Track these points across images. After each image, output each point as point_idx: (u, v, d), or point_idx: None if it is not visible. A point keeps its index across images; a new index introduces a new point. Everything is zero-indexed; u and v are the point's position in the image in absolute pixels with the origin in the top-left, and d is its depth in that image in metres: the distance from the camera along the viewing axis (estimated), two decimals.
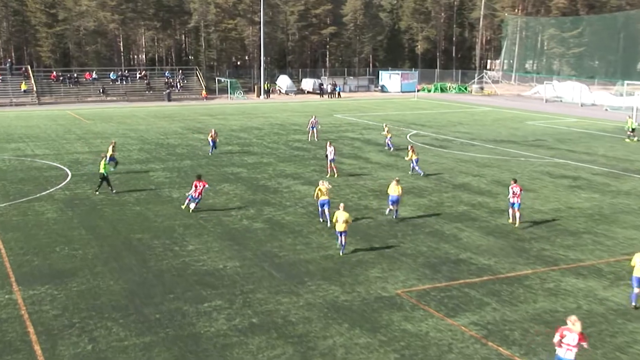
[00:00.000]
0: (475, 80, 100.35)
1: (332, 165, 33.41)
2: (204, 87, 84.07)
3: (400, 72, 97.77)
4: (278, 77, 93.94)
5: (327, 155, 33.91)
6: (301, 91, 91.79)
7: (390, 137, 41.88)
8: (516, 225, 24.54)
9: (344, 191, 30.07)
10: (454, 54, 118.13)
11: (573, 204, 28.14)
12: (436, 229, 24.24)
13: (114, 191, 29.40)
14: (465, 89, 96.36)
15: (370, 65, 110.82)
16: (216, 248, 21.85)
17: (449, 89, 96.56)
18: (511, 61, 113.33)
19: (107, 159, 31.03)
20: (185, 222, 24.86)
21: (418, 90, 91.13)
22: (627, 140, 46.90)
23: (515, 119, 60.59)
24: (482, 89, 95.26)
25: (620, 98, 73.28)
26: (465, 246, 22.23)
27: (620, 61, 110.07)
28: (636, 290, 17.23)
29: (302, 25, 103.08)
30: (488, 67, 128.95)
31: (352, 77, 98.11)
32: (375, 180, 32.39)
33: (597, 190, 30.80)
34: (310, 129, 45.82)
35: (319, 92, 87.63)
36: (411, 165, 34.04)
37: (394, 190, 24.73)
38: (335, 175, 33.07)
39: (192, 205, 26.16)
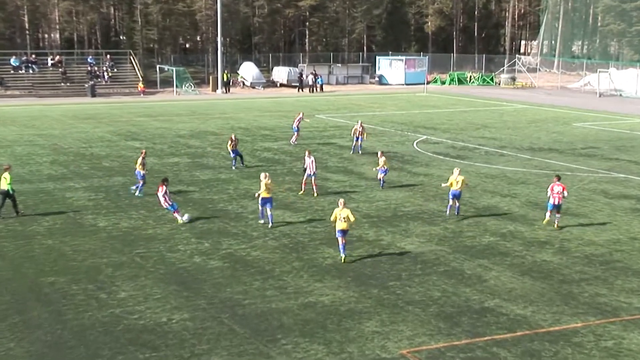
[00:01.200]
0: (505, 68, 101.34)
1: (313, 181, 33.87)
2: (140, 78, 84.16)
3: (404, 57, 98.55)
4: (241, 65, 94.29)
5: (305, 169, 34.26)
6: (272, 83, 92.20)
7: (361, 138, 43.69)
8: (555, 227, 28.19)
9: (330, 216, 30.09)
10: (475, 34, 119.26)
11: (638, 234, 28.43)
12: (453, 267, 24.38)
13: (20, 212, 29.73)
14: (492, 79, 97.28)
15: (365, 49, 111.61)
16: (158, 295, 21.81)
17: (470, 80, 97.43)
18: (553, 42, 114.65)
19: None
20: (115, 259, 24.80)
21: (428, 82, 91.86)
22: None
23: (558, 120, 61.22)
24: (513, 79, 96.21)
25: None
26: (493, 290, 22.38)
27: None
28: None
29: None
30: (522, 50, 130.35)
31: (340, 65, 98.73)
32: (372, 203, 32.54)
33: None
34: (296, 130, 47.44)
35: (296, 84, 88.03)
36: (378, 175, 35.34)
37: (455, 184, 29.58)
38: (315, 195, 33.52)
39: (185, 217, 29.11)
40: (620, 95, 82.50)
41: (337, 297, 21.64)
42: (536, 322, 20.08)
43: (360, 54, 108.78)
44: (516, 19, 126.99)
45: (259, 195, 28.68)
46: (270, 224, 28.61)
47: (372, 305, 21.16)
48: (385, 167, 35.08)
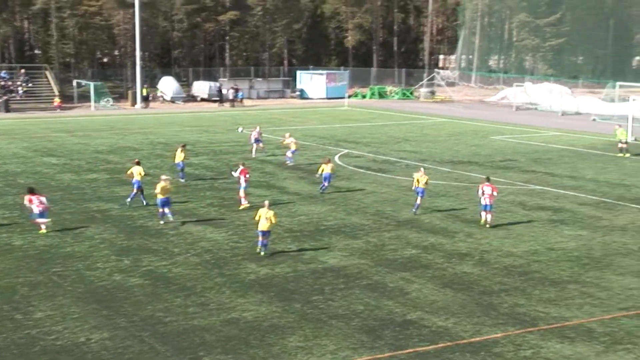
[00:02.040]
0: (424, 82, 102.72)
1: (244, 193, 34.30)
2: (57, 93, 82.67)
3: (325, 72, 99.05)
4: (161, 79, 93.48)
5: (236, 179, 34.86)
6: (192, 98, 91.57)
7: (295, 150, 45.29)
8: (487, 225, 30.87)
9: (252, 232, 30.05)
10: (395, 48, 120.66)
11: (554, 245, 29.07)
12: (376, 280, 24.53)
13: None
14: (411, 93, 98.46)
15: (286, 63, 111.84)
16: (76, 314, 21.40)
17: (390, 94, 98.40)
18: (470, 57, 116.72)
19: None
20: (31, 279, 24.24)
21: (349, 96, 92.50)
22: (620, 154, 50.07)
23: (477, 133, 62.29)
24: (433, 93, 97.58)
25: (612, 104, 76.55)
26: (415, 303, 22.58)
27: (610, 56, 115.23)
28: None
29: (192, 10, 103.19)
30: (440, 65, 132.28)
31: (260, 79, 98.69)
32: (294, 217, 32.56)
33: (585, 226, 31.96)
34: (254, 142, 48.50)
35: (216, 98, 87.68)
36: (323, 181, 37.15)
37: (419, 182, 33.03)
38: (240, 207, 33.89)
39: (43, 225, 29.23)
40: (536, 108, 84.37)
41: (260, 313, 21.56)
42: (457, 334, 20.33)
43: (281, 68, 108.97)
44: (434, 34, 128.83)
45: (156, 195, 30.79)
46: (172, 218, 30.98)
47: (295, 320, 21.13)
48: (330, 172, 37.12)
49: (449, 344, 19.71)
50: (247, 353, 19.03)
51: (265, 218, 26.37)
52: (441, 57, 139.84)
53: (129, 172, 35.08)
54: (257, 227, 26.84)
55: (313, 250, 27.73)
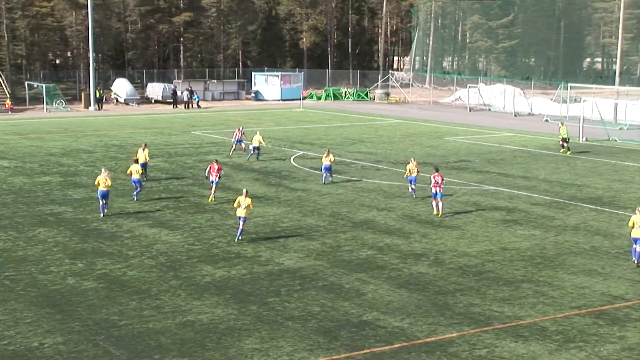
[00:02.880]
0: (379, 83, 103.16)
1: (216, 188, 36.12)
2: (8, 95, 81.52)
3: (280, 73, 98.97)
4: (114, 81, 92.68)
5: (207, 177, 36.45)
6: (147, 100, 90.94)
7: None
8: (439, 215, 32.80)
9: (207, 234, 29.97)
10: (350, 50, 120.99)
11: (508, 244, 29.37)
12: (332, 281, 24.57)
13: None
14: (366, 95, 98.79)
15: (240, 64, 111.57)
16: (29, 319, 21.13)
17: (345, 95, 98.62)
18: (424, 58, 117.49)
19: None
20: None
21: (304, 98, 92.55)
22: (562, 151, 51.75)
23: (431, 134, 62.68)
24: (387, 95, 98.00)
25: (564, 105, 77.54)
26: (371, 304, 22.66)
27: (561, 57, 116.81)
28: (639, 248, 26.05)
29: (145, 11, 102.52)
30: (395, 66, 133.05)
31: (215, 81, 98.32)
32: (250, 219, 32.46)
33: (538, 226, 32.32)
34: (236, 142, 49.53)
35: (171, 100, 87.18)
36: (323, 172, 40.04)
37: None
38: (209, 200, 35.69)
39: None
40: (489, 109, 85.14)
41: (215, 315, 21.48)
42: (413, 334, 20.44)
43: (236, 69, 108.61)
44: (389, 36, 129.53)
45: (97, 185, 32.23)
46: (105, 211, 32.65)
47: (252, 322, 21.09)
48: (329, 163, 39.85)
49: (404, 344, 19.82)
50: (203, 356, 18.94)
51: (244, 206, 28.20)
52: (395, 58, 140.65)
53: (128, 171, 36.40)
54: (236, 213, 28.70)
55: (269, 251, 27.70)
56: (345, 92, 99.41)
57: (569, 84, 78.27)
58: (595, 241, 29.87)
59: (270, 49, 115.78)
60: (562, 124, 54.59)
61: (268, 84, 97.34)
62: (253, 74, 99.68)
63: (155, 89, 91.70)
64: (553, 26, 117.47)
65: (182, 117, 74.85)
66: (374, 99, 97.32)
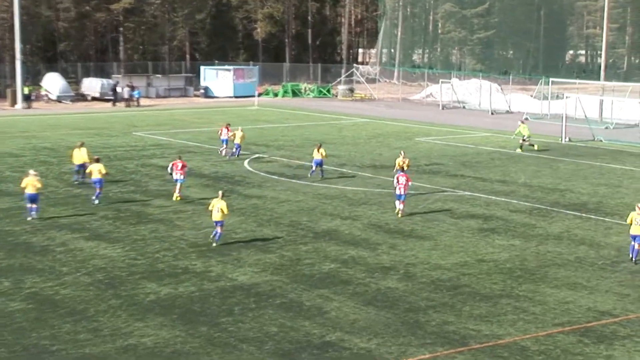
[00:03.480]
0: (342, 78, 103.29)
1: (181, 186, 37.74)
2: None
3: (232, 67, 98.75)
4: (45, 76, 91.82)
5: (170, 174, 38.08)
6: (82, 97, 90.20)
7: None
8: (399, 215, 34.38)
9: (151, 247, 29.78)
10: (310, 41, 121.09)
11: (485, 256, 29.55)
12: (291, 298, 24.53)
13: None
14: (328, 91, 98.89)
15: (188, 57, 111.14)
16: None
17: (305, 91, 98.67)
18: (392, 51, 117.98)
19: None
20: None
21: (259, 94, 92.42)
22: (519, 150, 53.62)
23: (400, 135, 62.91)
24: (351, 91, 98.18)
25: (545, 102, 78.29)
26: (335, 323, 22.66)
27: (542, 50, 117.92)
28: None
29: None
30: (360, 59, 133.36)
31: (160, 76, 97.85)
32: (199, 230, 32.35)
33: (518, 235, 32.58)
34: (224, 141, 50.64)
35: (110, 97, 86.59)
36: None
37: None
38: (175, 198, 37.39)
39: None
40: (464, 107, 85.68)
41: (160, 338, 21.34)
42: (381, 356, 20.46)
43: (183, 63, 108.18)
44: (353, 26, 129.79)
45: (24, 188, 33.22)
46: (33, 216, 33.26)
47: (201, 345, 20.99)
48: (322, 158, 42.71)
49: None
50: None
51: (217, 208, 29.51)
52: (360, 50, 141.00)
53: (88, 170, 37.52)
54: (211, 217, 29.96)
55: (221, 266, 27.60)
56: (305, 88, 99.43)
57: (550, 79, 79.06)
58: (580, 251, 30.17)
59: (221, 40, 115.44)
60: (523, 122, 56.22)
61: (219, 79, 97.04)
62: (202, 68, 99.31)
63: (91, 85, 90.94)
64: (533, 15, 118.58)
65: (122, 117, 74.38)
66: (336, 96, 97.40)
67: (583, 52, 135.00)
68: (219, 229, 29.95)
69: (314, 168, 43.47)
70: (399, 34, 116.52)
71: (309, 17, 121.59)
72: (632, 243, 28.64)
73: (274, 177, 43.96)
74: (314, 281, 26.19)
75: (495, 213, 36.23)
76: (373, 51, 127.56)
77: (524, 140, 54.45)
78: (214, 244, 29.87)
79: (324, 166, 43.58)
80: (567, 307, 24.07)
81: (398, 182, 34.96)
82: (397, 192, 34.92)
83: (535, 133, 63.38)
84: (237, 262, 28.14)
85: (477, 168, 47.87)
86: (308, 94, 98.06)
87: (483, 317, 23.21)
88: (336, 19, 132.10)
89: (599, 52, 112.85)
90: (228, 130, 50.79)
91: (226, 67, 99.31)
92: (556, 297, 25.00)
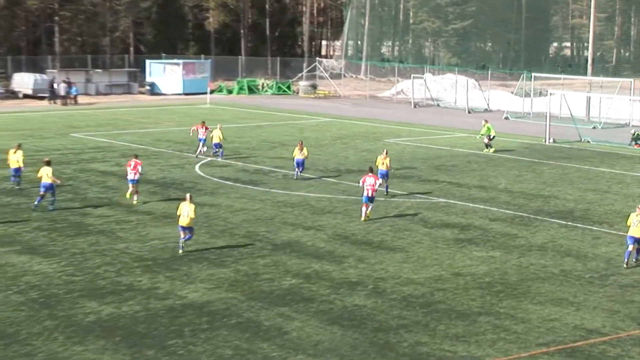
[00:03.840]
0: (304, 74, 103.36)
1: (135, 187, 38.73)
2: None
3: (181, 61, 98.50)
4: None
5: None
6: (12, 94, 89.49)
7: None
8: (362, 218, 35.67)
9: (91, 262, 29.59)
10: (268, 32, 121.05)
11: (462, 269, 29.66)
12: (248, 318, 24.48)
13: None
14: (289, 88, 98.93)
15: (131, 50, 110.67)
16: None
17: (262, 88, 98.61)
18: (359, 43, 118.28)
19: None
20: None
21: (212, 92, 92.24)
22: (486, 150, 54.90)
23: (368, 136, 63.06)
24: (314, 87, 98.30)
25: (527, 99, 78.83)
26: (296, 345, 22.65)
27: (523, 42, 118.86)
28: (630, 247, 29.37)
29: None
30: (323, 52, 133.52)
31: (100, 71, 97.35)
32: (145, 242, 32.20)
33: (498, 246, 32.76)
34: (202, 141, 51.71)
35: (46, 95, 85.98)
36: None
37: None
38: (134, 201, 38.24)
39: None
40: (438, 105, 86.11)
41: None
42: None
43: (126, 56, 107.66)
44: (315, 15, 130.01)
45: None
46: None
47: None
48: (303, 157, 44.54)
49: None
50: None
51: (186, 212, 30.23)
52: (324, 43, 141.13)
53: (39, 174, 37.33)
54: (178, 222, 30.64)
55: (169, 282, 27.49)
56: (263, 84, 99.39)
57: (533, 74, 79.75)
58: (566, 264, 30.40)
59: (169, 30, 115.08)
60: (486, 121, 57.10)
61: (166, 74, 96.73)
62: (147, 62, 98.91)
63: (23, 81, 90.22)
64: (513, 4, 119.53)
65: (58, 116, 73.90)
66: (297, 93, 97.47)
67: (568, 44, 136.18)
68: (184, 235, 30.64)
69: (297, 169, 44.81)
70: (367, 24, 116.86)
71: (267, 6, 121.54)
72: (628, 248, 29.69)
73: (228, 183, 43.86)
74: (273, 298, 26.15)
75: (473, 222, 36.40)
76: (338, 43, 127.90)
77: (490, 139, 55.63)
78: (180, 251, 30.52)
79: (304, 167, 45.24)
80: (552, 326, 24.22)
81: (365, 183, 35.93)
82: (365, 194, 35.87)
83: (517, 133, 63.93)
84: (188, 277, 28.03)
85: (452, 172, 48.07)
86: (266, 91, 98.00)
87: (460, 336, 23.29)
88: (297, 8, 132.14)
89: (585, 44, 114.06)
90: (205, 128, 51.74)
91: (175, 61, 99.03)
92: (540, 314, 25.14)
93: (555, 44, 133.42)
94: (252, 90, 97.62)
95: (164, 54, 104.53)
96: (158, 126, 67.60)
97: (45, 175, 36.75)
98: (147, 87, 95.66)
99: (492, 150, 55.44)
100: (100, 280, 27.64)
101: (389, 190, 41.39)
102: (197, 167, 48.22)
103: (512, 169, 49.50)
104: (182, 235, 30.64)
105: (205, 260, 30.05)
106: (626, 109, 73.22)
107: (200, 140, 51.49)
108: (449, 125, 69.18)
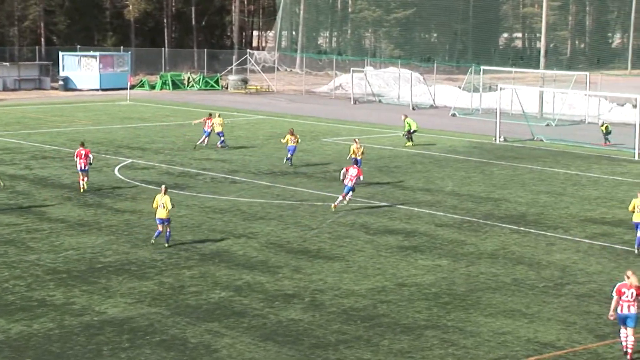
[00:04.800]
0: (233, 67, 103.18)
1: (85, 175, 41.67)
2: None
3: (98, 53, 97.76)
4: None
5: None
6: None
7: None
8: (334, 206, 38.71)
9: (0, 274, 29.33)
10: (194, 22, 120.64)
11: (406, 279, 29.78)
12: (173, 335, 24.38)
13: None
14: (217, 82, 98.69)
15: (43, 42, 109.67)
16: None
17: (188, 83, 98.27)
18: (294, 33, 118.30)
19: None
20: None
21: (132, 87, 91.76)
22: (409, 143, 57.38)
23: (305, 135, 63.06)
24: (245, 82, 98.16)
25: (475, 95, 79.39)
26: None
27: (471, 32, 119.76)
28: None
29: None
30: (254, 44, 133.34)
31: (7, 64, 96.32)
32: (58, 253, 31.91)
33: (445, 253, 32.93)
34: (206, 133, 55.99)
35: None
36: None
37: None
38: (82, 189, 41.21)
39: None
40: (380, 101, 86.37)
41: None
42: None
43: (37, 48, 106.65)
44: (246, 3, 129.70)
45: None
46: None
47: None
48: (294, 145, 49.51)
49: None
50: None
51: (162, 204, 32.35)
52: (255, 33, 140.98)
53: None
54: (155, 215, 32.79)
55: (86, 296, 27.29)
56: (189, 78, 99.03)
57: (482, 67, 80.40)
58: (518, 272, 30.66)
59: (84, 20, 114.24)
60: (406, 116, 59.36)
61: (82, 67, 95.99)
62: (61, 54, 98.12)
63: None
64: None
65: None
66: (226, 88, 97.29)
67: (519, 35, 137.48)
68: (162, 228, 32.70)
69: (289, 155, 49.73)
70: (302, 13, 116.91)
71: None
72: (637, 234, 32.93)
73: (150, 187, 43.61)
74: (200, 313, 26.08)
75: (418, 228, 36.57)
76: (270, 34, 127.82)
77: (410, 133, 57.79)
78: (167, 245, 32.65)
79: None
80: (504, 339, 24.41)
81: (348, 173, 38.95)
82: (346, 183, 38.87)
83: (465, 131, 64.40)
84: (106, 291, 27.84)
85: (396, 174, 48.26)
86: (192, 86, 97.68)
87: (405, 352, 23.40)
88: None
89: (537, 34, 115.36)
90: (210, 120, 56.22)
91: (91, 53, 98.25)
92: (491, 327, 25.34)
93: (505, 35, 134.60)
94: (176, 85, 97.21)
95: (79, 46, 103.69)
96: (72, 125, 67.01)
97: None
98: (61, 82, 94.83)
99: (410, 143, 57.53)
100: (9, 295, 27.33)
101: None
102: (116, 170, 47.90)
103: (460, 170, 49.81)
104: (159, 228, 32.68)
105: (125, 272, 29.85)
106: (581, 104, 74.10)
107: (205, 132, 55.71)
108: (392, 123, 69.35)
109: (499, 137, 60.71)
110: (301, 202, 40.74)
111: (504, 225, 37.22)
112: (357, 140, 46.84)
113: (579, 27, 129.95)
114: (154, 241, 32.76)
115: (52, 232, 34.78)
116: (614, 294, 22.88)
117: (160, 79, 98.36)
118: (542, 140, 61.22)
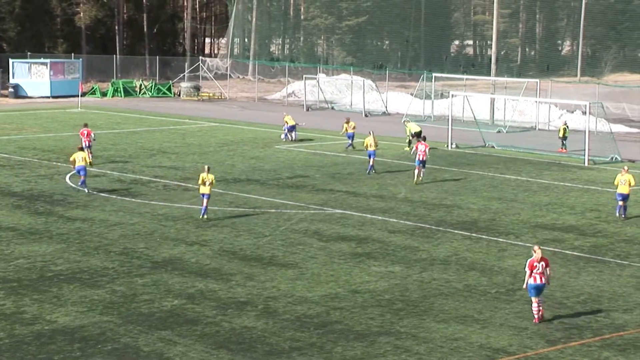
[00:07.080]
0: (186, 74, 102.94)
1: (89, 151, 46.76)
2: None
3: (49, 60, 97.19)
4: None
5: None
6: None
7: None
8: (417, 181, 46.92)
9: None
10: (145, 29, 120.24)
11: (359, 285, 29.81)
12: (125, 343, 24.24)
13: None
14: (169, 89, 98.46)
15: None
16: None
17: (140, 90, 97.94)
18: (246, 40, 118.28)
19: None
20: None
21: (84, 94, 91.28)
22: (407, 148, 57.49)
23: (258, 142, 63.07)
24: (197, 89, 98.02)
25: (427, 102, 79.73)
26: None
27: (423, 40, 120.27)
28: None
29: None
30: (207, 51, 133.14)
31: None
32: (8, 261, 31.67)
33: (398, 260, 33.00)
34: (287, 129, 62.66)
35: None
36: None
37: (371, 145, 50.03)
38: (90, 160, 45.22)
39: None
40: (332, 108, 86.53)
41: None
42: None
43: None
44: (198, 10, 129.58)
45: None
46: None
47: None
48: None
49: None
50: None
51: (207, 182, 37.63)
52: (207, 40, 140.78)
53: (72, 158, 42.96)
54: (199, 190, 38.09)
55: (37, 305, 27.08)
56: (140, 85, 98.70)
57: (434, 74, 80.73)
58: (471, 278, 30.80)
59: (35, 26, 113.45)
60: (408, 121, 61.07)
61: (32, 74, 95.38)
62: (10, 61, 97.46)
63: None
64: None
65: None
66: (179, 95, 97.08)
67: (471, 42, 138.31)
68: (205, 202, 37.83)
69: (350, 142, 58.23)
70: (254, 20, 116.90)
71: (144, 0, 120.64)
72: (619, 203, 39.36)
73: (102, 194, 43.39)
74: (153, 321, 25.95)
75: (371, 234, 36.64)
76: (223, 41, 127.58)
77: (412, 136, 57.67)
78: (205, 217, 37.82)
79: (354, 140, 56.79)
80: (456, 345, 24.50)
81: (417, 149, 46.58)
82: (417, 158, 46.52)
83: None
84: (58, 300, 27.64)
85: (348, 181, 48.32)
86: (144, 93, 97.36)
87: (358, 359, 23.40)
88: (177, 2, 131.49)
89: (488, 42, 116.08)
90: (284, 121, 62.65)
91: (41, 60, 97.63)
92: (443, 332, 25.42)
93: (456, 42, 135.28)
94: (128, 92, 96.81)
95: (29, 53, 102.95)
96: (22, 132, 66.51)
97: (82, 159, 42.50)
98: (10, 90, 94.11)
99: (407, 149, 57.65)
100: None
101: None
102: (67, 177, 47.58)
103: (412, 177, 49.91)
104: (204, 204, 37.81)
105: (77, 280, 29.66)
106: (532, 111, 74.63)
107: (285, 129, 62.45)
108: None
109: (451, 144, 61.00)
110: (254, 209, 40.69)
111: (456, 231, 37.38)
112: (371, 132, 50.77)
113: (529, 35, 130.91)
114: (206, 217, 37.79)
115: (2, 241, 34.48)
116: (526, 269, 26.03)
117: (112, 86, 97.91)
118: (493, 147, 61.60)
